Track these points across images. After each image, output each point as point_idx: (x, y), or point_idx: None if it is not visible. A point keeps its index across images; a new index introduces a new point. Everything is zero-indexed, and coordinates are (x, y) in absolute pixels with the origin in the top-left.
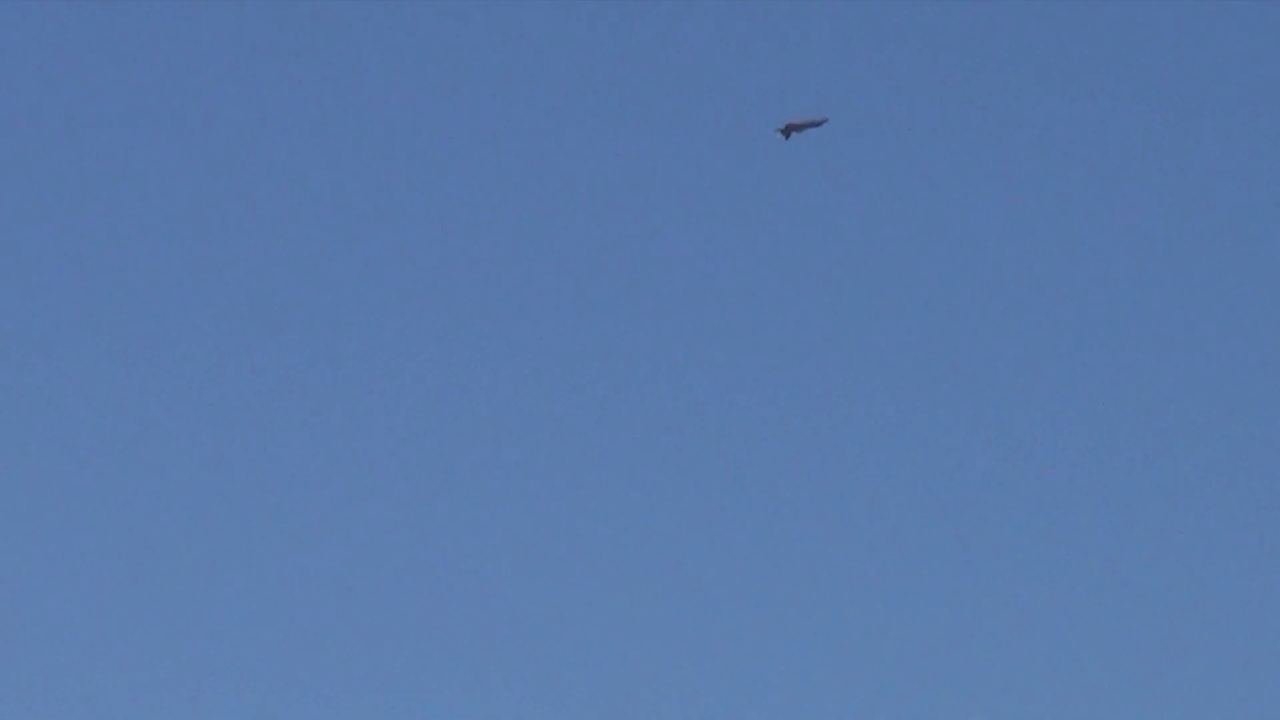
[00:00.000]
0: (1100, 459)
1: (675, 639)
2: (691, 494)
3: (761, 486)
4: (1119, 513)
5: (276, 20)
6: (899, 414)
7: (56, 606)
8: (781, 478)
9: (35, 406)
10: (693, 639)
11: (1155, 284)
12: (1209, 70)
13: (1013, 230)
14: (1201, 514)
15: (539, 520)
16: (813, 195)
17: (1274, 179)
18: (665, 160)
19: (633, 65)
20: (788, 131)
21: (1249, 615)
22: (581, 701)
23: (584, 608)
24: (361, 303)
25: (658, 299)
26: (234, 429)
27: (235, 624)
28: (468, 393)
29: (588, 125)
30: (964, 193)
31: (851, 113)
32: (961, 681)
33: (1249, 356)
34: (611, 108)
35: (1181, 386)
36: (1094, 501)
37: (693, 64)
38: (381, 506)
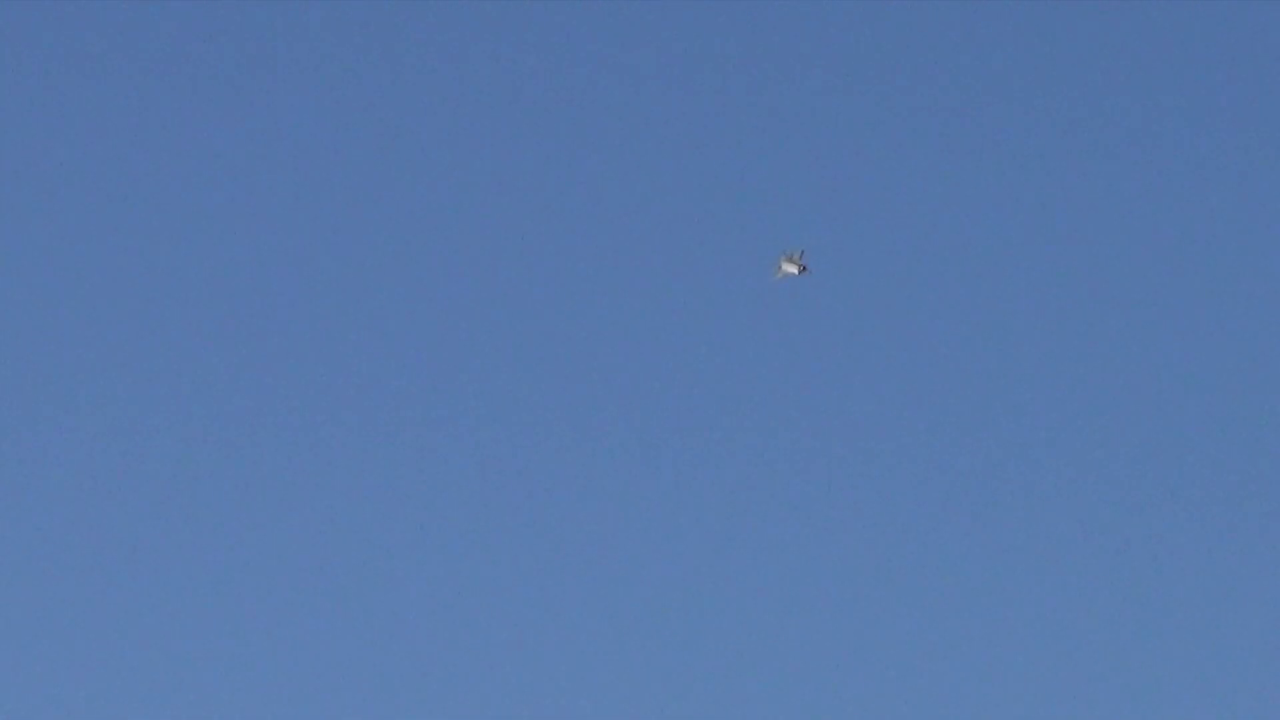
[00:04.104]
0: (1099, 460)
1: (674, 640)
2: (690, 495)
3: (761, 487)
4: (1118, 514)
5: (276, 20)
6: (899, 416)
7: (56, 606)
8: (781, 478)
9: (35, 406)
10: (692, 640)
11: (1154, 284)
12: (1209, 70)
13: (1012, 230)
14: (1201, 515)
15: (537, 521)
16: (812, 196)
17: (1274, 179)
18: (663, 160)
19: (630, 65)
20: (793, 265)
21: (1249, 616)
22: (582, 702)
23: (582, 609)
24: (361, 303)
25: (657, 299)
26: (233, 430)
27: (234, 625)
28: (466, 393)
29: (586, 125)
30: (963, 194)
31: (851, 112)
32: (961, 683)
33: (1249, 357)
34: (609, 107)
35: (1181, 387)
36: (1093, 503)
37: (690, 63)
38: (380, 507)
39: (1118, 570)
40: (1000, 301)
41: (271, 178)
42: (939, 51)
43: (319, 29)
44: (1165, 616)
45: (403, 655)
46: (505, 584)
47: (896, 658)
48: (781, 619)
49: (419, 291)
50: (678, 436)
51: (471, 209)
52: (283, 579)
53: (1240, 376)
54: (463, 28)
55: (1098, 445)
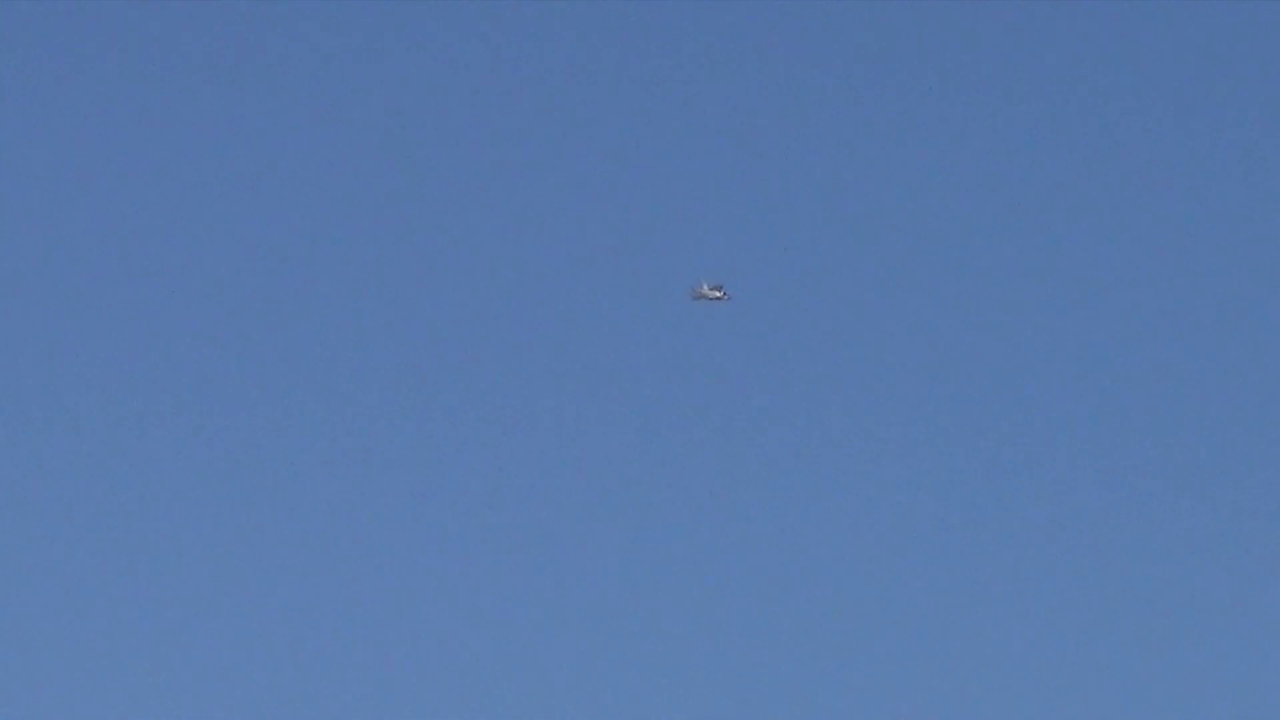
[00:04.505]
0: (1098, 461)
1: (673, 640)
2: (688, 495)
3: (761, 488)
4: (1117, 515)
5: (276, 20)
6: (899, 417)
7: (56, 607)
8: (781, 479)
9: (35, 406)
10: (691, 640)
11: (1155, 284)
12: (1209, 70)
13: (1011, 231)
14: (1201, 515)
15: (536, 521)
16: (811, 197)
17: (1274, 179)
18: (663, 160)
19: (629, 65)
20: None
21: (1249, 616)
22: (580, 702)
23: (581, 609)
24: (361, 303)
25: (656, 299)
26: (232, 430)
27: (233, 625)
28: (466, 393)
29: (584, 126)
30: (963, 195)
31: (851, 113)
32: (959, 683)
33: (1249, 356)
34: (609, 108)
35: (1181, 386)
36: (1093, 503)
37: (689, 64)
38: (380, 507)
39: (1116, 570)
40: (996, 300)
41: (271, 177)
42: (933, 51)
43: (319, 29)
44: (1165, 616)
45: (402, 655)
46: (503, 583)
47: (893, 657)
48: (779, 619)
49: (417, 290)
50: (676, 435)
51: (468, 208)
52: (282, 579)
53: (1240, 376)
54: (462, 28)
55: (1096, 445)
